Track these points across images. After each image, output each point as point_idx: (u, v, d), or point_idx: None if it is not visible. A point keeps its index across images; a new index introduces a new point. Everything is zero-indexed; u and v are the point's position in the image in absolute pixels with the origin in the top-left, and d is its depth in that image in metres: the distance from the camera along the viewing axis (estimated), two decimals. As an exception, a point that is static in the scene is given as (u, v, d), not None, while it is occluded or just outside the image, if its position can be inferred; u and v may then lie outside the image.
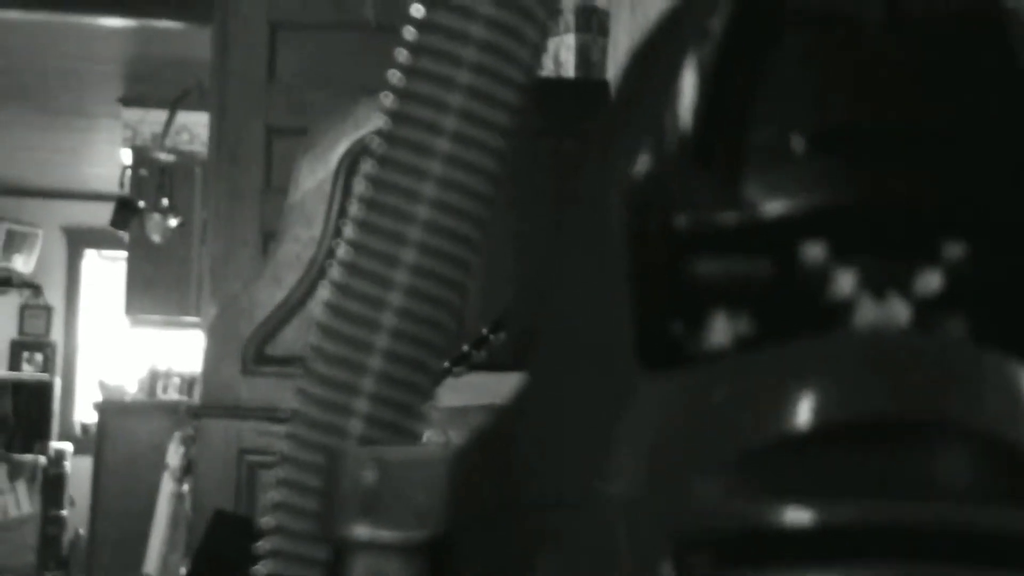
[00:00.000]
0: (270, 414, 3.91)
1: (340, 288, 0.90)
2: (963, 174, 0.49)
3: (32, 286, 12.40)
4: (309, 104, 4.94)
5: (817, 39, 0.51)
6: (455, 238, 0.89)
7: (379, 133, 0.90)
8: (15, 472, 11.11)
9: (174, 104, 7.99)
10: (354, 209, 0.91)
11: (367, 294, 0.89)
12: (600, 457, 0.50)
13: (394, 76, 0.90)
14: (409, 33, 0.89)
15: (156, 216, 8.62)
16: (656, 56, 0.56)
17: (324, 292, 0.92)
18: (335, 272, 0.91)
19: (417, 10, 0.89)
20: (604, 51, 3.54)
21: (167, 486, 6.19)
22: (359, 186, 0.90)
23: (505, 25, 0.88)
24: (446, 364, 1.49)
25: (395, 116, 0.90)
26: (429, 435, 0.94)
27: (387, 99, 0.90)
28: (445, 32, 0.88)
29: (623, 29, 3.44)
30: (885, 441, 0.46)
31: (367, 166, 0.90)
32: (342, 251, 0.91)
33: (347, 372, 0.89)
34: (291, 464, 0.91)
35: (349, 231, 0.91)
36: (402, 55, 0.89)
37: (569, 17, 3.54)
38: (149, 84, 8.59)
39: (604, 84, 3.35)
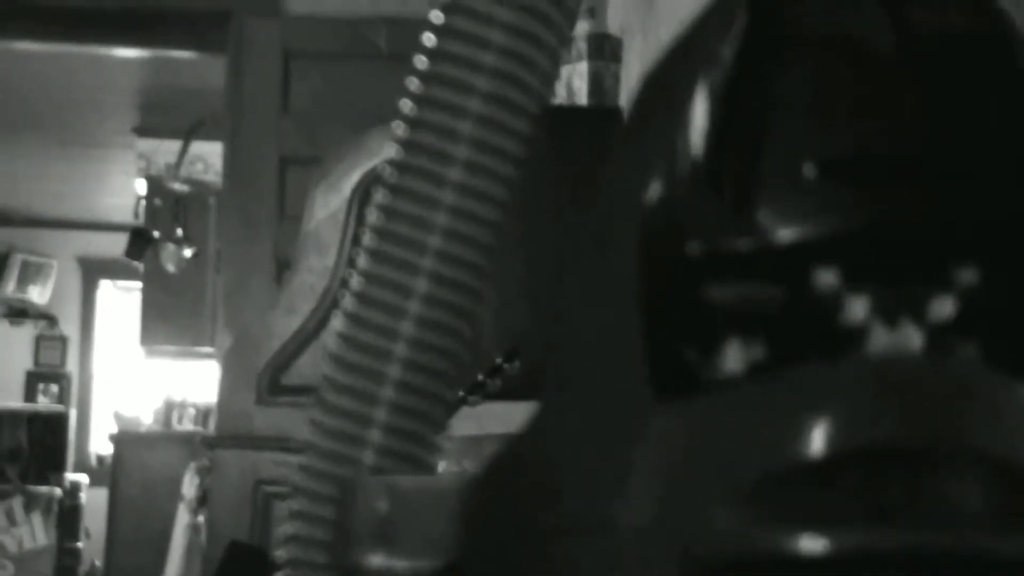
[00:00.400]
0: (285, 444, 3.90)
1: (353, 318, 0.90)
2: (975, 199, 0.49)
3: (47, 317, 12.41)
4: (323, 133, 4.95)
5: (827, 65, 0.51)
6: (467, 267, 0.89)
7: (390, 162, 0.90)
8: (30, 504, 11.12)
9: (188, 134, 8.01)
10: (366, 239, 0.91)
11: (380, 324, 0.89)
12: (614, 484, 0.50)
13: (406, 105, 0.90)
14: (420, 62, 0.89)
15: (171, 246, 8.63)
16: (667, 82, 0.56)
17: (337, 322, 0.92)
18: (348, 302, 0.91)
19: (428, 39, 0.89)
20: (617, 78, 3.54)
21: (182, 517, 6.19)
22: (371, 216, 0.90)
23: (517, 54, 0.88)
24: (460, 393, 1.49)
25: (406, 145, 0.90)
26: (443, 465, 0.94)
27: (398, 128, 0.90)
28: (456, 61, 0.88)
29: (635, 56, 3.44)
30: (899, 468, 0.46)
31: (379, 195, 0.90)
32: (355, 281, 0.91)
33: (360, 403, 0.89)
34: (304, 495, 0.91)
35: (362, 261, 0.91)
36: (413, 84, 0.89)
37: (581, 44, 3.54)
38: (163, 114, 8.61)
39: (617, 111, 3.35)
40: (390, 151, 0.91)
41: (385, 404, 0.89)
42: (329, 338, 0.93)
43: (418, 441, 0.90)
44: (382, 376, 0.89)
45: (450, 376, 0.90)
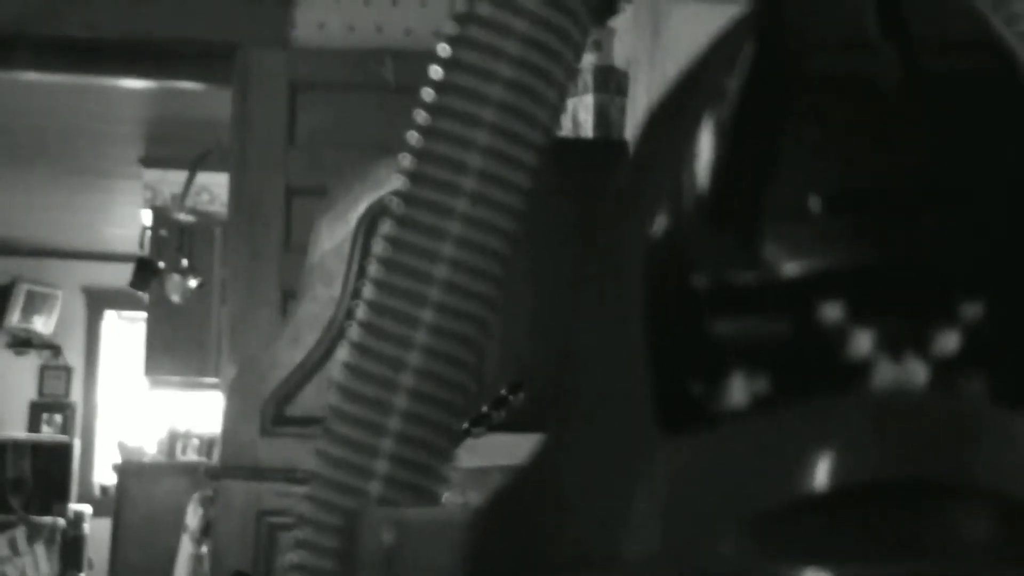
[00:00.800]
0: (289, 475, 3.90)
1: (359, 348, 0.90)
2: (980, 234, 0.50)
3: (52, 347, 12.41)
4: (329, 164, 4.95)
5: (834, 99, 0.52)
6: (473, 298, 0.89)
7: (397, 193, 0.91)
8: (34, 534, 11.09)
9: (194, 164, 8.02)
10: (372, 269, 0.91)
11: (386, 354, 0.89)
12: (620, 516, 0.50)
13: (412, 137, 0.90)
14: (427, 94, 0.89)
15: (176, 276, 8.63)
16: (673, 115, 0.57)
17: (343, 353, 0.92)
18: (354, 333, 0.91)
19: (435, 71, 0.89)
20: (623, 111, 3.54)
21: (186, 548, 6.18)
22: (378, 247, 0.91)
23: (524, 86, 0.88)
24: (465, 425, 1.49)
25: (413, 176, 0.90)
26: (449, 496, 0.94)
27: (405, 159, 0.90)
28: (463, 93, 0.88)
29: (642, 89, 3.45)
30: (903, 503, 0.46)
31: (385, 226, 0.90)
32: (361, 312, 0.91)
33: (367, 433, 0.89)
34: (310, 525, 0.91)
35: (368, 292, 0.91)
36: (420, 116, 0.90)
37: (587, 77, 3.55)
38: (170, 145, 8.62)
39: (623, 144, 3.35)
40: (397, 182, 0.91)
41: (392, 435, 0.89)
42: (335, 369, 0.93)
43: (424, 472, 0.90)
44: (389, 406, 0.89)
45: (457, 407, 0.90)
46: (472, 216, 0.88)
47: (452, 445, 0.91)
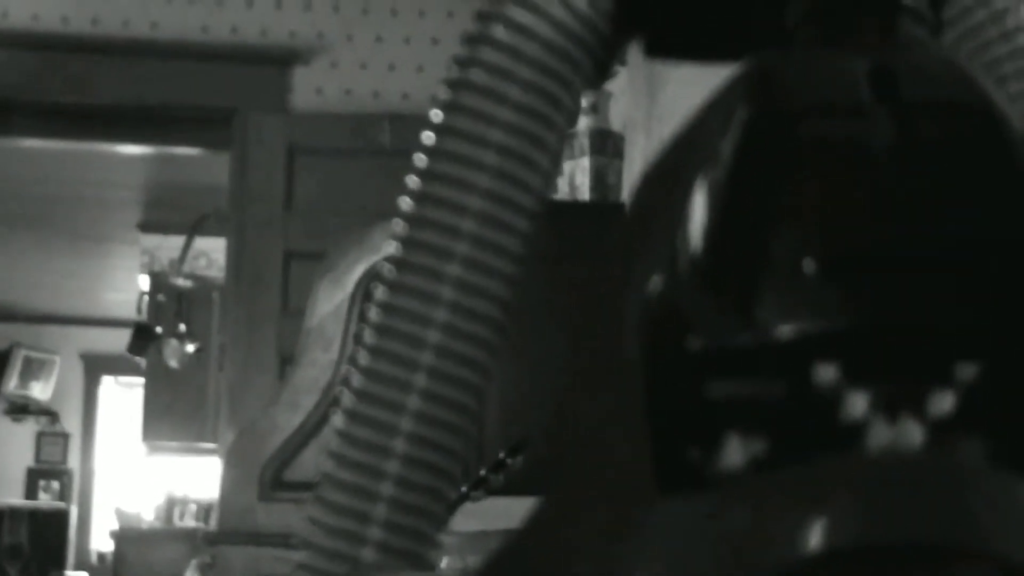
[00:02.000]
0: (288, 540, 3.88)
1: (351, 415, 0.90)
2: (974, 296, 0.50)
3: (49, 413, 12.37)
4: (327, 228, 4.96)
5: (828, 163, 0.52)
6: (467, 364, 0.89)
7: (389, 259, 0.91)
8: (31, 601, 11.03)
9: (192, 229, 8.03)
10: (366, 335, 0.91)
11: (379, 420, 0.89)
12: (616, 581, 0.50)
13: (405, 202, 0.90)
14: (420, 160, 0.90)
15: (173, 342, 8.62)
16: (668, 178, 0.57)
17: (336, 419, 0.92)
18: (346, 399, 0.91)
19: (428, 137, 0.89)
20: (619, 174, 3.55)
21: (184, 613, 6.14)
22: (371, 312, 0.91)
23: (517, 153, 0.89)
24: (464, 489, 1.48)
25: (405, 242, 0.90)
26: (447, 561, 0.93)
27: (397, 225, 0.90)
28: (456, 159, 0.88)
29: (638, 152, 3.46)
30: (898, 566, 0.46)
31: (378, 292, 0.90)
32: (354, 378, 0.91)
33: (359, 500, 0.89)
34: None
35: (360, 358, 0.91)
36: (413, 181, 0.90)
37: (584, 140, 3.56)
38: (167, 210, 8.64)
39: (619, 207, 3.36)
40: (390, 247, 0.91)
41: (385, 501, 0.89)
42: (330, 434, 0.93)
43: (418, 538, 0.90)
44: (381, 473, 0.89)
45: (450, 473, 0.90)
46: (465, 280, 0.88)
47: (446, 511, 0.91)
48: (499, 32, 0.88)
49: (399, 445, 0.88)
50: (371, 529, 0.89)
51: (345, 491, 0.89)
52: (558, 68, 0.89)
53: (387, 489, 0.89)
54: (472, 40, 0.89)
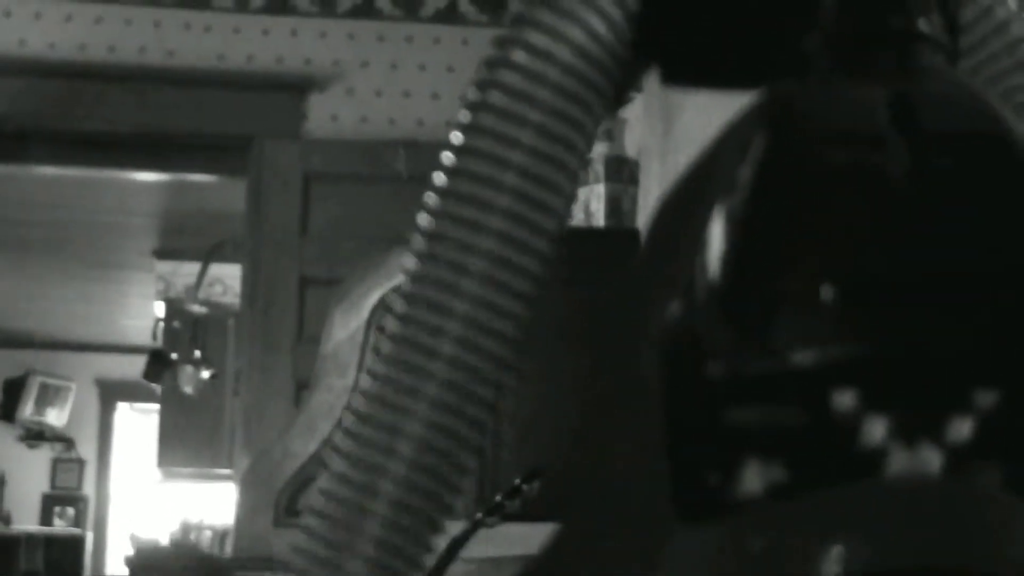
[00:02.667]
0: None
1: (346, 456, 0.91)
2: (992, 323, 0.50)
3: (64, 440, 12.36)
4: (342, 254, 4.95)
5: (846, 190, 0.52)
6: (472, 399, 0.89)
7: (405, 272, 0.91)
8: (46, 627, 11.02)
9: (207, 256, 8.03)
10: (370, 362, 0.91)
11: (371, 463, 0.89)
12: (635, 607, 0.50)
13: (423, 219, 0.90)
14: (439, 179, 0.90)
15: (189, 368, 8.61)
16: (685, 205, 0.57)
17: (337, 437, 0.93)
18: (345, 428, 0.91)
19: (448, 158, 0.90)
20: (634, 200, 3.55)
21: (199, 640, 6.13)
22: (376, 339, 0.91)
23: (536, 175, 0.89)
24: (479, 515, 1.48)
25: (423, 257, 0.90)
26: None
27: (416, 241, 0.90)
28: (476, 179, 0.89)
29: (654, 179, 3.45)
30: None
31: (395, 304, 0.91)
32: (356, 400, 0.91)
33: (353, 514, 0.90)
34: None
35: (364, 383, 0.91)
36: (432, 199, 0.90)
37: (599, 167, 3.56)
38: (183, 237, 8.65)
39: (635, 233, 3.35)
40: (406, 264, 0.91)
41: (378, 518, 0.89)
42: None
43: (407, 559, 0.90)
44: (375, 493, 0.89)
45: (444, 503, 0.91)
46: (472, 318, 0.89)
47: (437, 537, 0.92)
48: (519, 56, 0.88)
49: (386, 487, 0.89)
50: (362, 544, 0.89)
51: (341, 505, 0.90)
52: (578, 91, 0.89)
53: (381, 508, 0.89)
54: (492, 63, 0.89)
